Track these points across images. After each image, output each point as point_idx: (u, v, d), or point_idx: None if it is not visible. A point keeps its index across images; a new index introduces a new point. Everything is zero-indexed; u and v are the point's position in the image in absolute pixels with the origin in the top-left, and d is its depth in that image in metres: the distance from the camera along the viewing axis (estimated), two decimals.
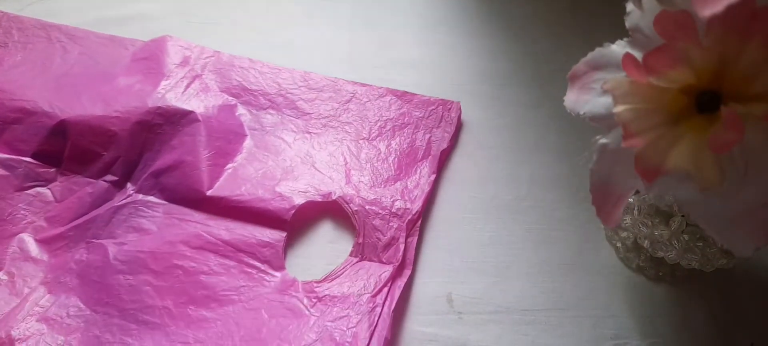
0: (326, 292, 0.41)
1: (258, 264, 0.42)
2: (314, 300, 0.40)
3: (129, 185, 0.45)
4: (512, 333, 0.40)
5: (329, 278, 0.41)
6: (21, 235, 0.43)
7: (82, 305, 0.40)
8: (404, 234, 0.43)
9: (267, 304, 0.40)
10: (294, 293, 0.41)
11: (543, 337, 0.40)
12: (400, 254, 0.42)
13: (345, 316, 0.39)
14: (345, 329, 0.39)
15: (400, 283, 0.41)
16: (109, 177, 0.45)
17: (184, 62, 0.52)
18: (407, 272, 0.42)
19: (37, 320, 0.39)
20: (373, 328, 0.39)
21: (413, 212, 0.44)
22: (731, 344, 0.40)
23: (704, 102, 0.27)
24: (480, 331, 0.40)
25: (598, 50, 0.31)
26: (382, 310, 0.40)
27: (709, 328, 0.40)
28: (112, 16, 0.57)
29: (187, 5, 0.58)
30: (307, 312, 0.40)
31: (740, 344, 0.40)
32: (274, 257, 0.42)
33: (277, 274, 0.42)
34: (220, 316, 0.40)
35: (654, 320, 0.41)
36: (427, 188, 0.46)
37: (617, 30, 0.31)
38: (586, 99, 0.31)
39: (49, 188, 0.45)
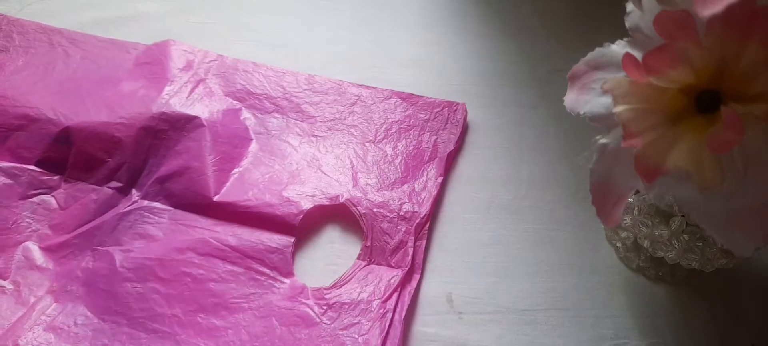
0: (336, 298, 0.41)
1: (267, 271, 0.42)
2: (324, 307, 0.40)
3: (134, 191, 0.45)
4: (512, 333, 0.40)
5: (338, 283, 0.41)
6: (26, 243, 0.42)
7: (89, 314, 0.40)
8: (412, 238, 0.43)
9: (277, 312, 0.40)
10: (304, 300, 0.41)
11: (543, 337, 0.40)
12: (409, 258, 0.42)
13: (356, 323, 0.39)
14: (356, 336, 0.39)
15: (410, 288, 0.41)
16: (114, 184, 0.45)
17: (188, 66, 0.51)
18: (416, 277, 0.42)
19: (44, 330, 0.39)
20: (384, 335, 0.39)
21: (421, 216, 0.44)
22: (731, 344, 0.40)
23: (704, 102, 0.27)
24: (480, 331, 0.40)
25: (598, 50, 0.32)
26: (393, 316, 0.40)
27: (709, 328, 0.40)
28: (111, 17, 0.57)
29: (186, 5, 0.58)
30: (318, 320, 0.40)
31: (740, 344, 0.40)
32: (283, 263, 0.42)
33: (286, 280, 0.41)
34: (231, 324, 0.39)
35: (654, 320, 0.41)
36: (434, 191, 0.45)
37: (617, 30, 0.31)
38: (586, 99, 0.31)
39: (53, 196, 0.45)
